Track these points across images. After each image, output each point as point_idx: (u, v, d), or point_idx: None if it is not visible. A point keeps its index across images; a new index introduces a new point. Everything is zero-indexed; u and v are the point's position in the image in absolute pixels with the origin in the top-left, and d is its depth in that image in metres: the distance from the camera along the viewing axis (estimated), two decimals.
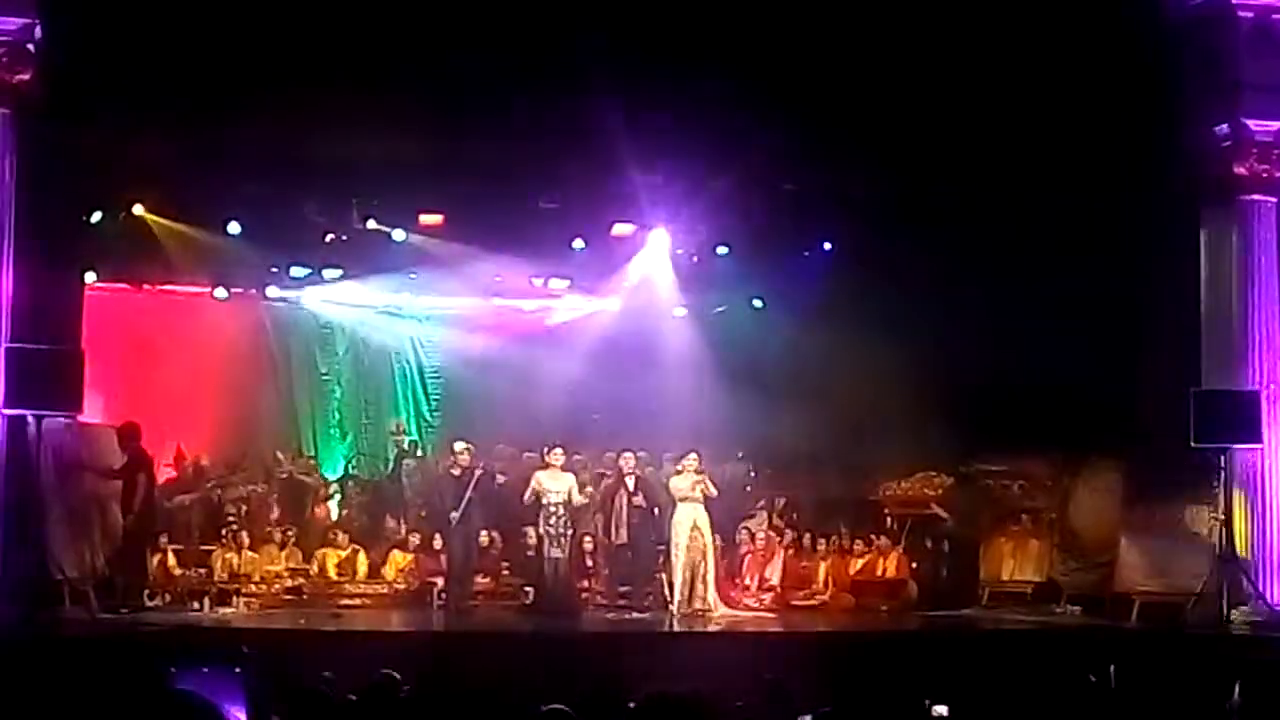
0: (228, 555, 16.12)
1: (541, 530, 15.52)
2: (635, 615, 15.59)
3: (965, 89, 15.22)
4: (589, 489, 16.22)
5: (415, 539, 16.63)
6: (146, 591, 14.82)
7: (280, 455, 18.31)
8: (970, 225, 16.79)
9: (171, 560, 15.82)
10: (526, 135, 15.47)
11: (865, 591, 16.79)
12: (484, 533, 16.19)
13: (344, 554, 16.52)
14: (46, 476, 13.82)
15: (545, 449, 15.96)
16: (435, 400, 20.08)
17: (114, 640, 12.60)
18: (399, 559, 16.57)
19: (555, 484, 15.60)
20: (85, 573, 14.25)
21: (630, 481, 16.01)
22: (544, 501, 15.50)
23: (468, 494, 15.55)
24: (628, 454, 16.13)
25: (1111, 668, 8.30)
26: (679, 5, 14.69)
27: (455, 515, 15.53)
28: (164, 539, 15.87)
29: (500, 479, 16.26)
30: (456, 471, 15.79)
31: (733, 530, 16.99)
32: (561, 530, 15.51)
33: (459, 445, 15.94)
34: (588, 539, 16.23)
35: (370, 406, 19.98)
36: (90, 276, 16.66)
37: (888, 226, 17.21)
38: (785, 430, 17.90)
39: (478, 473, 15.70)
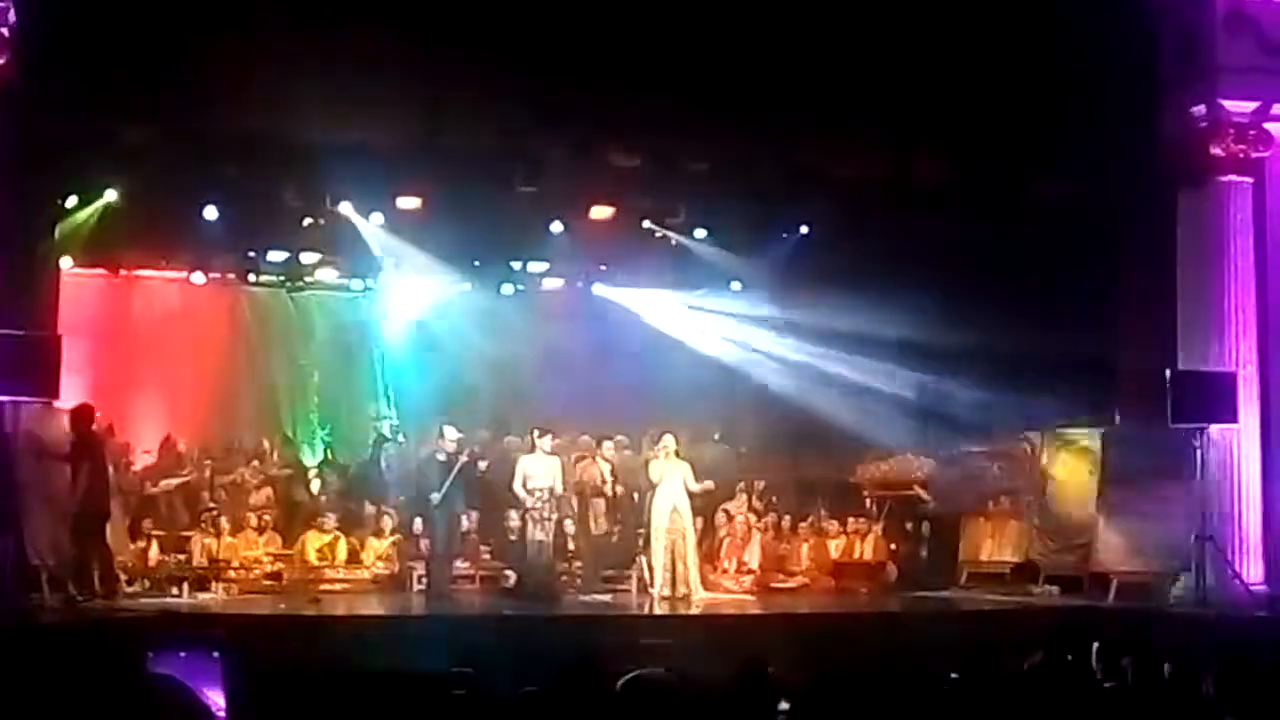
0: (206, 540, 16.07)
1: (526, 514, 15.52)
2: (615, 599, 15.61)
3: (945, 71, 15.25)
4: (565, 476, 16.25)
5: (395, 524, 16.63)
6: (125, 577, 14.79)
7: (259, 441, 18.26)
8: (948, 207, 16.83)
9: (151, 546, 15.79)
10: (504, 118, 15.44)
11: (844, 573, 16.84)
12: (465, 517, 16.19)
13: (324, 539, 16.50)
14: (23, 462, 13.77)
15: (534, 433, 15.96)
16: (414, 385, 20.00)
17: (91, 626, 12.57)
18: (379, 544, 16.56)
19: (540, 468, 15.60)
20: (62, 559, 14.19)
21: (605, 468, 16.02)
22: (528, 486, 15.51)
23: (451, 478, 15.55)
24: (586, 438, 16.16)
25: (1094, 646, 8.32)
26: None
27: (437, 496, 15.53)
28: (147, 523, 15.85)
29: (482, 464, 16.24)
30: (442, 457, 15.77)
31: (711, 513, 17.01)
32: (545, 514, 15.53)
33: (450, 432, 15.90)
34: (569, 523, 16.26)
35: (349, 391, 19.91)
36: (66, 262, 16.56)
37: (867, 209, 17.22)
38: (764, 412, 17.92)
39: (462, 458, 15.69)
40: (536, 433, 15.93)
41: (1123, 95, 15.05)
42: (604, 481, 16.13)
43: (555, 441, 16.26)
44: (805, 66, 15.12)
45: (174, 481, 16.88)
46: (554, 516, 15.63)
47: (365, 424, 19.28)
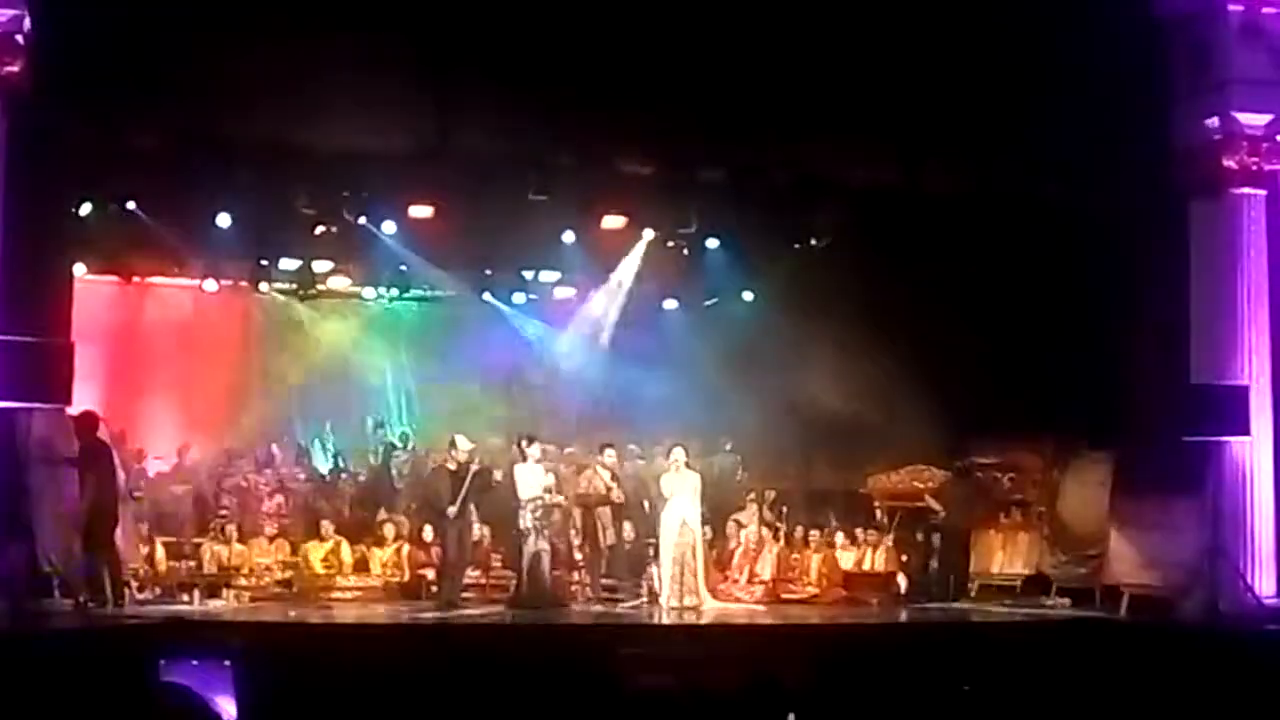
0: (217, 548, 16.09)
1: (525, 524, 15.48)
2: (624, 608, 15.59)
3: (957, 81, 15.25)
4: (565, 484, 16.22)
5: (406, 532, 16.61)
6: (136, 584, 14.81)
7: (271, 448, 18.28)
8: (961, 218, 16.83)
9: (161, 552, 15.81)
10: (516, 127, 15.46)
11: (855, 584, 16.80)
12: (477, 527, 16.15)
13: (325, 547, 16.46)
14: (35, 468, 13.80)
15: (521, 442, 15.93)
16: (425, 393, 20.03)
17: (103, 633, 12.58)
18: (390, 552, 16.54)
19: (531, 478, 15.57)
20: (73, 565, 14.20)
21: (605, 476, 16.00)
22: (526, 495, 15.47)
23: (464, 489, 15.52)
24: (610, 450, 16.16)
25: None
26: None
27: (453, 510, 15.48)
28: (145, 528, 15.85)
29: (497, 474, 16.21)
30: (453, 466, 15.74)
31: (722, 523, 17.00)
32: (545, 523, 15.50)
33: (462, 442, 15.85)
34: (572, 533, 16.24)
35: (360, 399, 19.94)
36: (79, 269, 16.60)
37: (880, 219, 17.21)
38: (775, 423, 17.91)
39: (474, 468, 15.66)
40: (524, 441, 15.90)
41: (1136, 107, 15.04)
42: (609, 489, 16.10)
43: (567, 450, 16.25)
44: (816, 74, 15.12)
45: (178, 490, 16.90)
46: (548, 526, 15.58)
47: (375, 431, 19.31)
